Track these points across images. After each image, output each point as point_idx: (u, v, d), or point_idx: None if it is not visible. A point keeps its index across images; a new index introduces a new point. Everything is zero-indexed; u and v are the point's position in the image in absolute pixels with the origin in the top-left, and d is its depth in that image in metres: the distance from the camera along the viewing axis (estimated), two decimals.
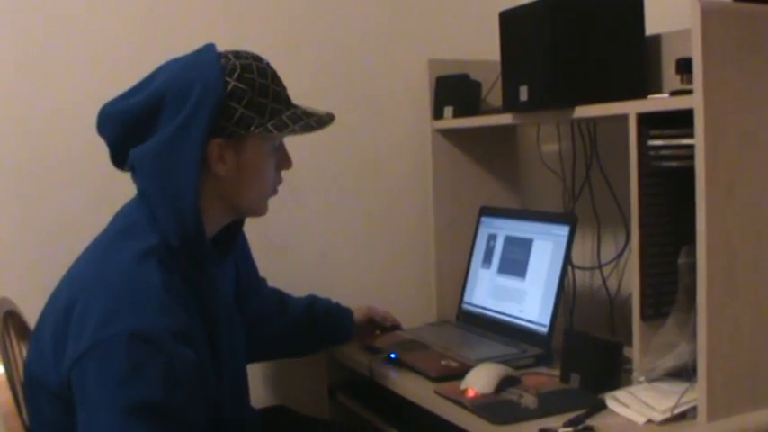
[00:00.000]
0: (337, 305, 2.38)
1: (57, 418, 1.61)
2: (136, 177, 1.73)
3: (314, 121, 1.77)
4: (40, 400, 1.65)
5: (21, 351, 1.93)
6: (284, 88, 1.77)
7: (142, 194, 1.71)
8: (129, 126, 1.70)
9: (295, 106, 1.77)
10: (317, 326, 2.31)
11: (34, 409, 1.68)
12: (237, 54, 1.72)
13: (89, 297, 1.57)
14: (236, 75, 1.67)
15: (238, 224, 1.90)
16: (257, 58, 1.74)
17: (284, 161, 1.81)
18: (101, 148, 2.29)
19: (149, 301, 1.56)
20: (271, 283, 2.31)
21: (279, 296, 2.29)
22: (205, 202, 1.69)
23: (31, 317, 2.00)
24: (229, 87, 1.66)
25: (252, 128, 1.68)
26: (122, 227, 1.71)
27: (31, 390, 1.67)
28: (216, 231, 1.79)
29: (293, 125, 1.72)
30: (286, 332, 2.25)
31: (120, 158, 1.75)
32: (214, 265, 1.76)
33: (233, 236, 1.88)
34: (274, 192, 1.82)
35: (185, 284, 1.67)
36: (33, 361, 1.67)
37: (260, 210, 1.82)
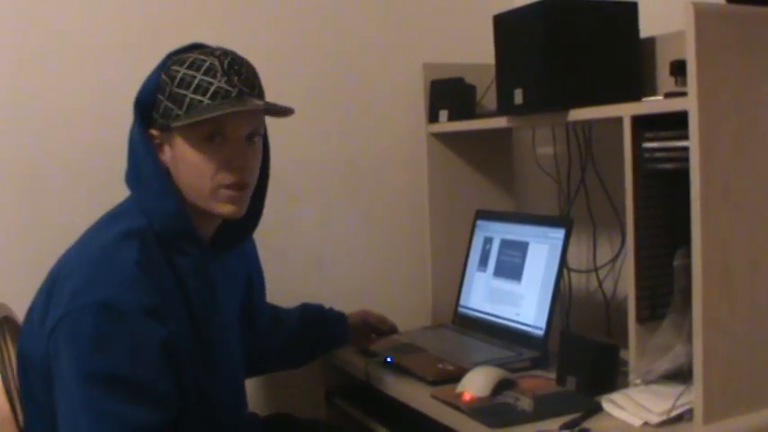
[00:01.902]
0: (330, 310, 2.37)
1: (47, 401, 1.62)
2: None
3: (230, 110, 1.65)
4: (31, 382, 1.69)
5: (16, 357, 1.93)
6: (227, 82, 1.66)
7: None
8: None
9: (228, 100, 1.66)
10: (312, 333, 2.30)
11: (28, 396, 1.71)
12: (197, 48, 1.72)
13: (70, 270, 1.64)
14: (166, 67, 1.70)
15: (244, 226, 1.87)
16: (210, 52, 1.70)
17: (235, 158, 1.69)
18: (99, 151, 2.30)
19: (122, 275, 1.60)
20: (268, 287, 2.31)
21: (273, 311, 2.27)
22: (183, 193, 1.72)
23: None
24: (160, 80, 1.70)
25: (171, 119, 1.67)
26: (114, 213, 1.78)
27: (24, 372, 1.71)
28: (210, 227, 1.80)
29: (197, 115, 1.64)
30: (283, 346, 2.24)
31: None
32: (205, 259, 1.76)
33: (236, 236, 1.87)
34: (227, 190, 1.70)
35: (172, 272, 1.69)
36: (26, 339, 1.72)
37: (211, 206, 1.71)
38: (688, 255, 1.65)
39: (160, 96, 1.69)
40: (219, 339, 1.80)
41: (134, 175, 1.73)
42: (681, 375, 1.73)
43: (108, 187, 2.28)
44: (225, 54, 1.70)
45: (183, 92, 1.65)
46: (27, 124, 2.28)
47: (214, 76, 1.65)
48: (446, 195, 2.71)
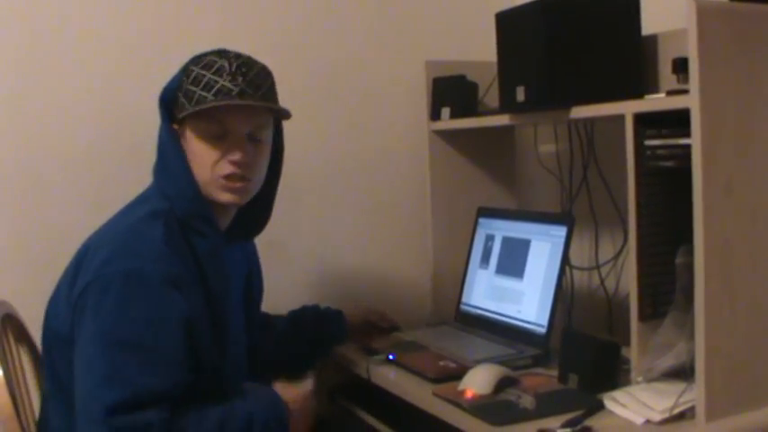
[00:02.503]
0: (327, 308, 2.39)
1: (70, 380, 1.72)
2: None
3: (226, 103, 1.80)
4: (56, 362, 1.81)
5: (19, 354, 1.93)
6: (231, 81, 1.81)
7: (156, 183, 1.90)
8: None
9: (232, 97, 1.81)
10: (307, 332, 2.31)
11: (52, 378, 1.83)
12: (217, 52, 1.88)
13: (98, 246, 1.78)
14: (184, 66, 1.88)
15: (254, 223, 2.05)
16: (221, 54, 1.86)
17: (232, 151, 1.83)
18: (99, 150, 2.30)
19: (149, 248, 1.74)
20: (268, 284, 2.31)
21: (264, 316, 2.28)
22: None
23: (29, 320, 2.01)
24: (178, 80, 1.87)
25: (184, 112, 1.83)
26: (138, 199, 1.92)
27: (49, 353, 1.84)
28: (224, 217, 1.94)
29: (194, 107, 1.81)
30: (273, 348, 2.24)
31: None
32: (220, 243, 1.89)
33: (246, 231, 2.05)
34: (225, 180, 1.84)
35: (191, 253, 1.81)
36: (51, 315, 1.84)
37: (214, 194, 1.85)
38: (690, 252, 1.65)
39: (179, 93, 1.85)
40: (230, 321, 1.89)
41: (161, 165, 1.87)
42: (683, 373, 1.73)
43: (107, 186, 2.31)
44: (237, 57, 1.86)
45: (194, 88, 1.81)
46: (26, 124, 2.28)
47: (221, 76, 1.81)
48: (448, 193, 2.71)
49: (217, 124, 1.83)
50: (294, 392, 1.91)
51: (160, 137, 1.87)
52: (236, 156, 1.82)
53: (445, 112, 2.61)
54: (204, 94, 1.80)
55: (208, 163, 1.83)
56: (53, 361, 1.82)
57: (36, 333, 2.01)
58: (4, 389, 1.72)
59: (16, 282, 2.23)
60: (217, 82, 1.80)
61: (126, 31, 2.38)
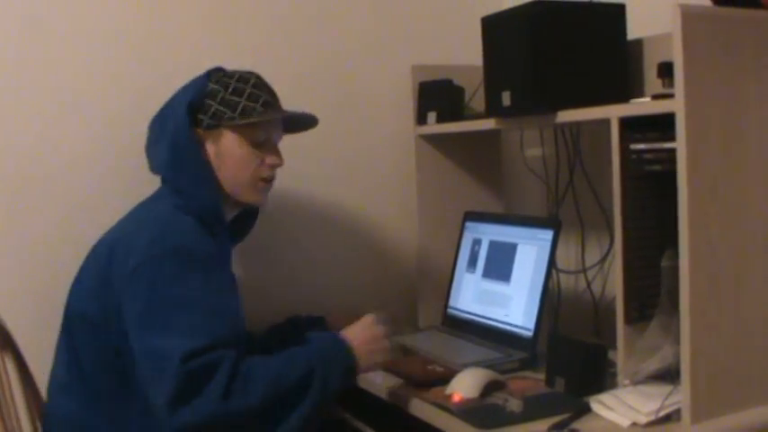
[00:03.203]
0: (308, 316, 2.41)
1: (94, 359, 1.88)
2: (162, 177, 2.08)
3: (286, 116, 2.11)
4: (79, 341, 1.91)
5: (3, 360, 1.92)
6: (269, 95, 2.08)
7: (168, 185, 2.03)
8: (153, 130, 2.11)
9: (276, 110, 2.10)
10: (288, 340, 2.30)
11: (72, 359, 1.92)
12: (237, 70, 2.09)
13: (132, 237, 1.89)
14: (215, 78, 2.06)
15: (251, 219, 2.25)
16: (250, 72, 2.09)
17: (269, 156, 2.08)
18: (90, 155, 2.30)
19: (188, 230, 1.90)
20: (256, 290, 2.31)
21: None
22: (220, 182, 2.04)
23: (14, 326, 1.99)
24: (208, 89, 2.04)
25: (224, 120, 2.01)
26: (152, 198, 2.06)
27: (70, 335, 1.94)
28: (229, 213, 2.11)
29: (260, 117, 2.03)
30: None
31: (149, 162, 2.10)
32: (228, 244, 2.10)
33: (245, 226, 2.24)
34: (258, 183, 2.08)
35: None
36: (75, 301, 1.96)
37: (247, 196, 2.08)
38: (676, 256, 1.66)
39: (209, 101, 2.02)
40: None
41: (177, 165, 1.99)
42: (669, 376, 1.74)
43: (102, 189, 2.31)
44: (256, 75, 2.10)
45: (237, 99, 2.02)
46: (21, 125, 2.27)
47: (260, 90, 2.06)
48: (435, 197, 2.71)
49: (262, 132, 2.05)
50: (353, 331, 1.96)
51: (179, 139, 1.99)
52: (278, 160, 2.09)
53: (431, 116, 2.62)
54: (252, 104, 2.03)
55: (251, 166, 2.05)
56: (75, 347, 1.91)
57: (22, 339, 2.01)
58: None
59: (3, 287, 2.22)
60: (259, 95, 2.05)
61: (126, 30, 2.37)
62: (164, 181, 2.08)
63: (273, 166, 2.08)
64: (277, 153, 2.10)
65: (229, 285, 1.95)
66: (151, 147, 2.10)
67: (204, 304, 1.80)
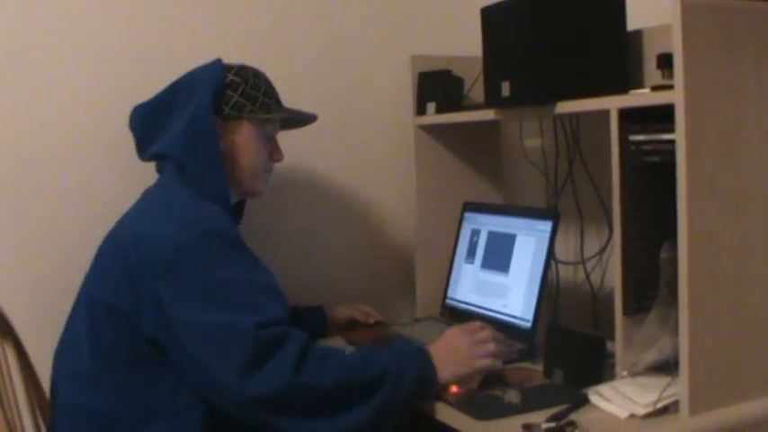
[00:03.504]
0: (306, 306, 2.42)
1: (118, 342, 1.87)
2: (165, 159, 2.07)
3: (297, 116, 2.20)
4: (101, 329, 1.90)
5: (2, 348, 1.92)
6: (275, 92, 2.17)
7: (176, 167, 2.03)
8: (152, 117, 2.12)
9: (283, 106, 2.18)
10: None
11: (95, 346, 1.90)
12: (241, 64, 2.14)
13: (158, 227, 1.88)
14: (234, 71, 2.11)
15: (239, 211, 2.27)
16: (255, 68, 2.16)
17: (275, 152, 2.19)
18: (88, 148, 2.30)
19: (214, 213, 1.92)
20: None
21: None
22: (231, 170, 2.09)
23: (14, 315, 2.00)
24: (227, 79, 2.09)
25: (245, 111, 2.08)
26: (158, 186, 2.07)
27: (93, 323, 1.91)
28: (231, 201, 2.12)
29: (279, 112, 2.14)
30: None
31: (143, 148, 2.14)
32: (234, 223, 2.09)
33: (237, 216, 2.25)
34: (266, 174, 2.17)
35: None
36: (100, 291, 1.93)
37: (254, 185, 2.15)
38: (674, 247, 1.65)
39: (230, 92, 2.08)
40: None
41: (194, 150, 2.01)
42: (667, 367, 1.74)
43: (100, 181, 2.30)
44: (258, 69, 2.17)
45: (256, 93, 2.11)
46: (19, 117, 2.27)
47: (270, 87, 2.16)
48: (434, 187, 2.71)
49: (273, 127, 2.16)
50: (438, 343, 1.95)
51: (199, 126, 2.01)
52: (281, 155, 2.19)
53: (431, 106, 2.61)
54: (267, 100, 2.12)
55: (263, 158, 2.14)
56: (98, 335, 1.90)
57: (21, 327, 2.01)
58: None
59: (2, 275, 2.23)
60: (272, 92, 2.16)
61: (122, 25, 2.37)
62: (161, 169, 2.11)
63: (278, 161, 2.19)
64: (280, 149, 2.20)
65: (263, 265, 1.95)
66: (148, 134, 2.12)
67: (254, 283, 1.85)
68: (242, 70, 2.12)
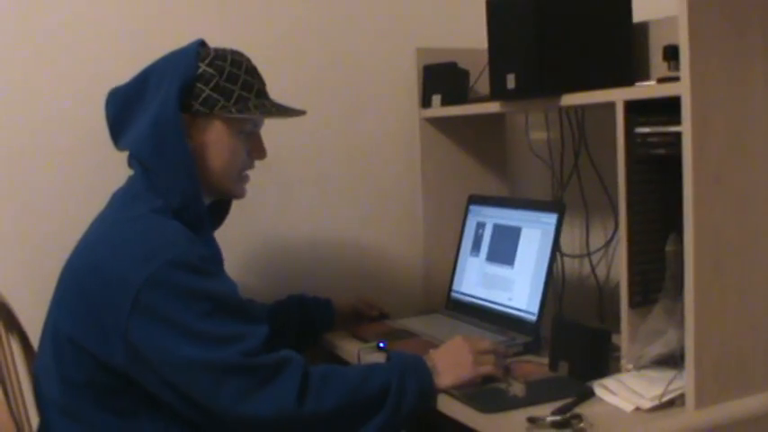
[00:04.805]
0: (314, 297, 2.41)
1: (86, 375, 1.75)
2: (132, 157, 1.92)
3: (276, 111, 1.97)
4: (68, 360, 1.77)
5: (8, 342, 1.93)
6: (260, 82, 1.97)
7: (142, 169, 1.87)
8: (123, 105, 1.93)
9: (266, 99, 1.98)
10: (293, 319, 2.34)
11: (62, 377, 1.78)
12: (221, 48, 1.94)
13: (117, 254, 1.74)
14: (207, 60, 1.90)
15: (225, 206, 2.11)
16: (237, 53, 1.96)
17: (256, 149, 1.99)
18: (94, 140, 2.29)
19: (178, 237, 1.76)
20: (260, 273, 2.30)
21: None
22: (204, 173, 1.91)
23: (20, 309, 2.00)
24: (199, 71, 1.88)
25: (216, 108, 1.88)
26: (125, 199, 1.89)
27: (60, 355, 1.79)
28: (205, 202, 1.96)
29: (254, 111, 1.92)
30: None
31: (115, 138, 1.96)
32: (209, 232, 1.97)
33: (219, 216, 2.11)
34: (243, 175, 1.99)
35: None
36: (60, 320, 1.80)
37: (229, 188, 1.97)
38: (680, 240, 1.65)
39: (201, 86, 1.88)
40: None
41: (157, 149, 1.84)
42: (672, 360, 1.74)
43: (101, 174, 2.29)
44: (246, 56, 1.97)
45: (231, 86, 1.89)
46: (19, 113, 2.27)
47: (253, 77, 1.94)
48: (439, 180, 2.71)
49: (251, 123, 1.96)
50: (438, 351, 1.93)
51: (164, 127, 1.84)
52: (263, 154, 2.00)
53: (436, 99, 2.61)
54: (245, 94, 1.91)
55: (240, 157, 1.95)
56: (65, 367, 1.77)
57: (27, 321, 2.01)
58: None
59: (5, 271, 2.23)
60: (252, 83, 1.93)
61: (121, 19, 2.37)
62: (131, 164, 1.94)
63: (259, 158, 2.01)
64: (262, 145, 2.00)
65: (228, 279, 1.88)
66: (119, 123, 1.95)
67: (228, 308, 1.74)
68: (217, 59, 1.90)
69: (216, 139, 1.91)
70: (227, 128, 1.91)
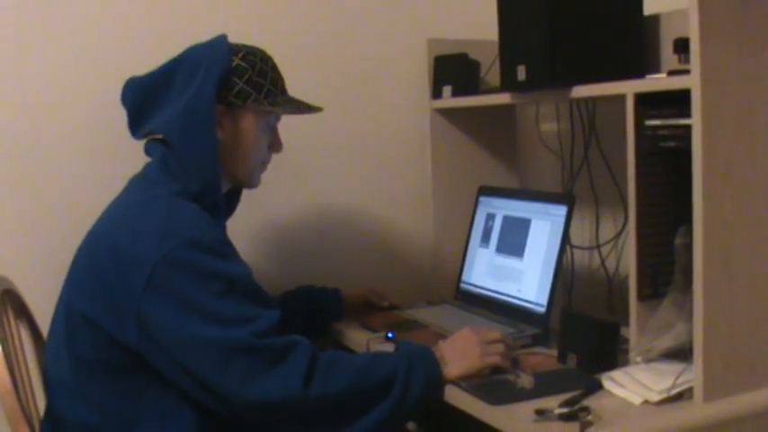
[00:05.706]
0: (322, 287, 2.42)
1: (97, 353, 1.77)
2: (153, 143, 1.97)
3: (303, 106, 2.06)
4: (80, 339, 1.79)
5: (18, 329, 1.94)
6: (282, 79, 2.05)
7: (162, 156, 1.92)
8: (146, 93, 1.98)
9: (288, 95, 2.06)
10: (302, 308, 2.34)
11: (75, 356, 1.80)
12: (247, 45, 2.01)
13: (135, 232, 1.76)
14: (240, 55, 1.97)
15: (236, 197, 2.15)
16: (263, 51, 2.02)
17: (275, 143, 2.07)
18: (100, 127, 2.30)
19: (197, 218, 1.81)
20: (269, 262, 2.31)
21: None
22: (225, 161, 1.96)
23: (29, 295, 2.01)
24: (234, 64, 1.95)
25: (249, 101, 1.95)
26: (142, 184, 1.93)
27: (72, 334, 1.81)
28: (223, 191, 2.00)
29: (285, 105, 2.02)
30: None
31: (135, 125, 2.01)
32: (222, 219, 2.00)
33: (230, 206, 2.13)
34: (262, 167, 2.07)
35: None
36: (76, 300, 1.82)
37: (249, 178, 2.05)
38: (690, 233, 1.65)
39: (236, 79, 1.94)
40: None
41: (185, 137, 1.89)
42: (681, 354, 1.73)
43: (109, 161, 2.31)
44: (265, 52, 2.04)
45: (262, 81, 1.97)
46: (25, 96, 2.28)
47: (277, 73, 2.03)
48: (449, 171, 2.71)
49: (276, 117, 2.05)
50: (445, 342, 1.94)
51: (198, 107, 1.88)
52: (281, 146, 2.08)
53: (447, 90, 2.61)
54: (273, 88, 1.99)
55: (262, 149, 2.03)
56: (77, 345, 1.79)
57: (36, 308, 2.02)
58: (3, 364, 1.71)
59: (14, 257, 2.23)
60: (278, 79, 2.02)
61: (128, 6, 2.37)
62: (149, 150, 1.99)
63: (277, 152, 2.08)
64: (279, 139, 2.08)
65: (244, 263, 1.86)
66: (138, 111, 1.99)
67: (242, 290, 1.76)
68: (250, 54, 1.98)
69: (244, 131, 1.97)
70: (257, 121, 1.98)
